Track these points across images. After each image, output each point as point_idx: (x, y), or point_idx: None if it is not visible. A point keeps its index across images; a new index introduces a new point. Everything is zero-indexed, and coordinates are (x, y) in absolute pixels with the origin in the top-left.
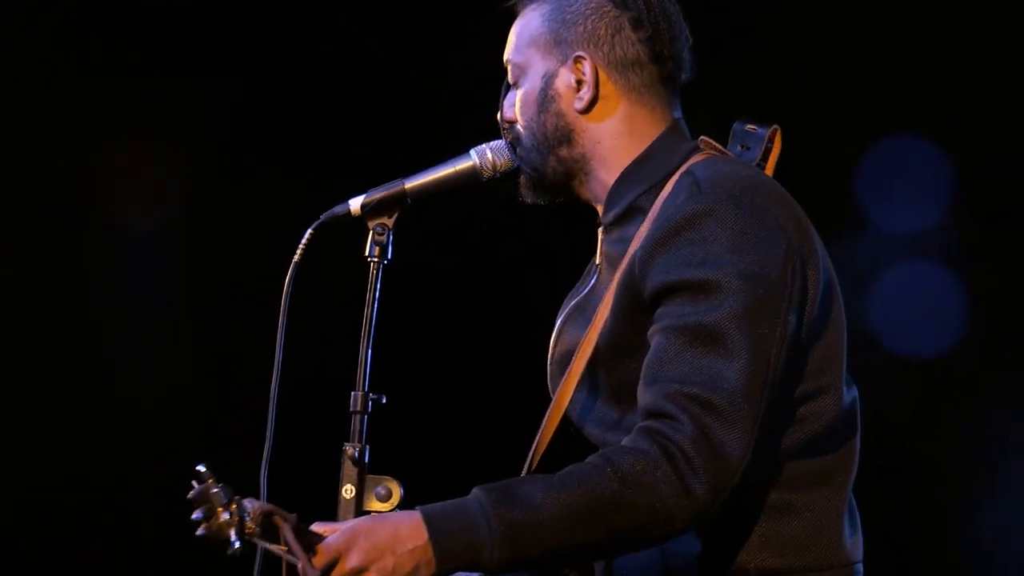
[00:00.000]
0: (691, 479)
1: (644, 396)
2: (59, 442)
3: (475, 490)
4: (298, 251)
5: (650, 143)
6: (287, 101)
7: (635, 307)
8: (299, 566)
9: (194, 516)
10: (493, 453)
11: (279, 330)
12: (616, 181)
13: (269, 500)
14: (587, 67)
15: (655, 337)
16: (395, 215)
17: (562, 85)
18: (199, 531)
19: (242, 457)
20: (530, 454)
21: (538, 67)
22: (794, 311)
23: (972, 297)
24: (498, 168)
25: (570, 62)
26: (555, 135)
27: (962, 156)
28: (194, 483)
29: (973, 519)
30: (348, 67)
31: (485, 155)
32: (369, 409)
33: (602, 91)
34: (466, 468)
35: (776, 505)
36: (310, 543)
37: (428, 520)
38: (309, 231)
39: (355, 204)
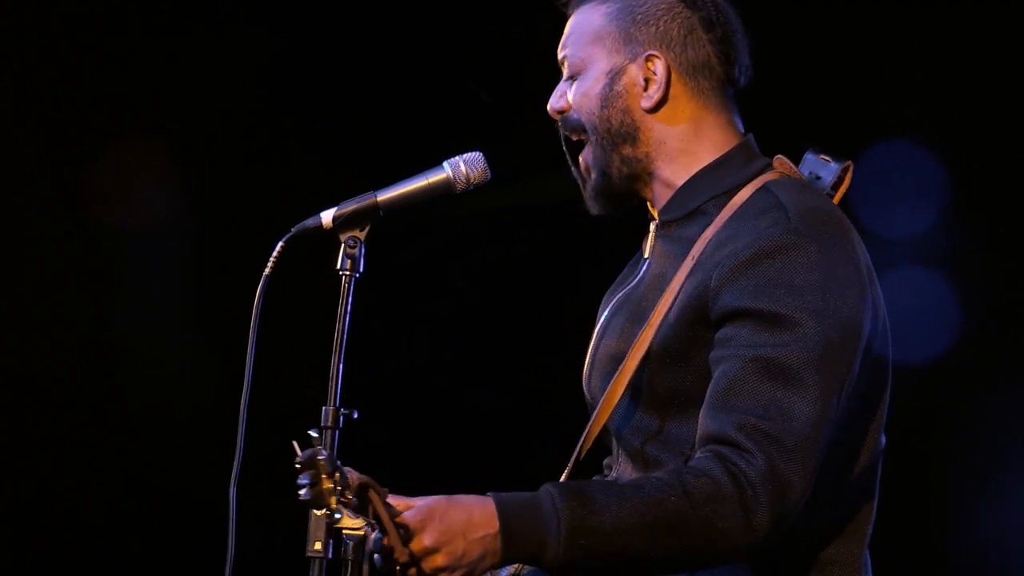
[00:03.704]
0: (756, 511)
1: (714, 421)
2: (60, 443)
3: (547, 487)
4: (269, 264)
5: (725, 151)
6: (292, 101)
7: (699, 319)
8: (385, 540)
9: (300, 480)
10: (468, 465)
11: (250, 343)
12: (688, 182)
13: (238, 514)
14: (659, 67)
15: (726, 361)
16: (367, 228)
17: (629, 82)
18: (302, 495)
19: (230, 462)
20: (575, 453)
21: (602, 63)
22: (860, 355)
23: (967, 301)
24: (471, 180)
25: (640, 60)
26: (619, 131)
27: (956, 160)
28: (297, 447)
29: (971, 521)
30: (344, 73)
31: (459, 167)
32: (340, 424)
33: (672, 91)
34: (439, 481)
35: (812, 554)
36: (393, 516)
37: (501, 510)
38: (280, 244)
39: (327, 217)
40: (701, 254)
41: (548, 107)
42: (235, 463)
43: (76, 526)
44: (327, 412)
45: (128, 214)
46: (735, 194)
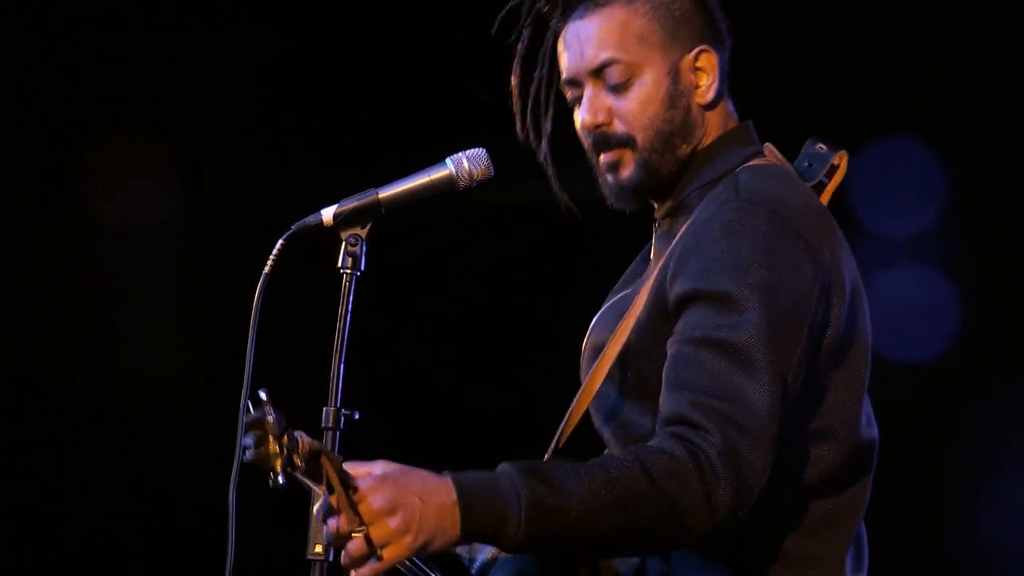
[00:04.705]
0: (716, 490)
1: (669, 402)
2: (59, 442)
3: (504, 465)
4: (268, 262)
5: (716, 137)
6: (292, 101)
7: (661, 312)
8: (332, 500)
9: (244, 441)
10: (470, 463)
11: (249, 342)
12: (676, 173)
13: (237, 518)
14: (712, 61)
15: (678, 344)
16: (368, 225)
17: (687, 80)
18: (246, 456)
19: (227, 464)
20: (555, 439)
21: (659, 64)
22: (814, 338)
23: (965, 301)
24: (475, 177)
25: (690, 57)
26: (680, 131)
27: (955, 160)
28: (250, 406)
29: (971, 521)
30: (344, 73)
31: (461, 164)
32: (341, 425)
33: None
34: None
35: (784, 549)
36: (345, 481)
37: (457, 484)
38: (280, 242)
39: (327, 214)
40: (672, 252)
41: (582, 122)
42: (234, 464)
43: (74, 527)
44: (328, 413)
45: (127, 213)
46: (716, 185)
